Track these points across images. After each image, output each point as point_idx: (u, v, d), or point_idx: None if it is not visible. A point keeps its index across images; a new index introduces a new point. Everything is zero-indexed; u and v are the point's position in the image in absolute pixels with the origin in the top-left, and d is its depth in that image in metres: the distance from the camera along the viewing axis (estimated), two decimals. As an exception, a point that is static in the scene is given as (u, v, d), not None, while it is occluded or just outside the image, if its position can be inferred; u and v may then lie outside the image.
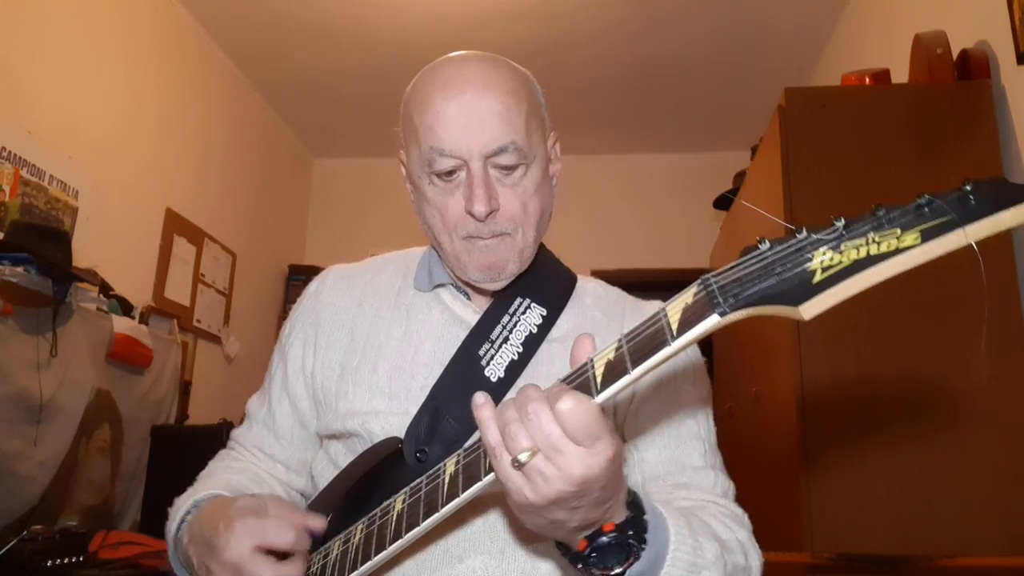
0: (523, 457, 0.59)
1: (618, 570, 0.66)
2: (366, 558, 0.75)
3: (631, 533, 0.66)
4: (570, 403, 0.58)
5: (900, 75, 2.34)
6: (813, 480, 1.77)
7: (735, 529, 0.81)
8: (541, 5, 3.47)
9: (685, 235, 4.60)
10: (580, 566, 0.67)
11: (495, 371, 0.88)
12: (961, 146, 1.93)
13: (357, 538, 0.79)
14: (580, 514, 0.63)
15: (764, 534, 0.89)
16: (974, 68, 2.07)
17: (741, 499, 0.91)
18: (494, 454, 0.62)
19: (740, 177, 3.49)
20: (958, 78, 2.09)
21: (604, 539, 0.65)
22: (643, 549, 0.66)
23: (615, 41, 3.76)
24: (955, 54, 2.13)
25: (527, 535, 0.83)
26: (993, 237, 0.48)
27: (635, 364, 0.57)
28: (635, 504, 0.67)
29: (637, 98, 4.33)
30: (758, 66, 3.90)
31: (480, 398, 0.64)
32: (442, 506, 0.69)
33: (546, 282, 0.97)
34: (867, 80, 2.21)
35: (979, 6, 2.15)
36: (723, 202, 3.72)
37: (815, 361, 1.84)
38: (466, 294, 0.97)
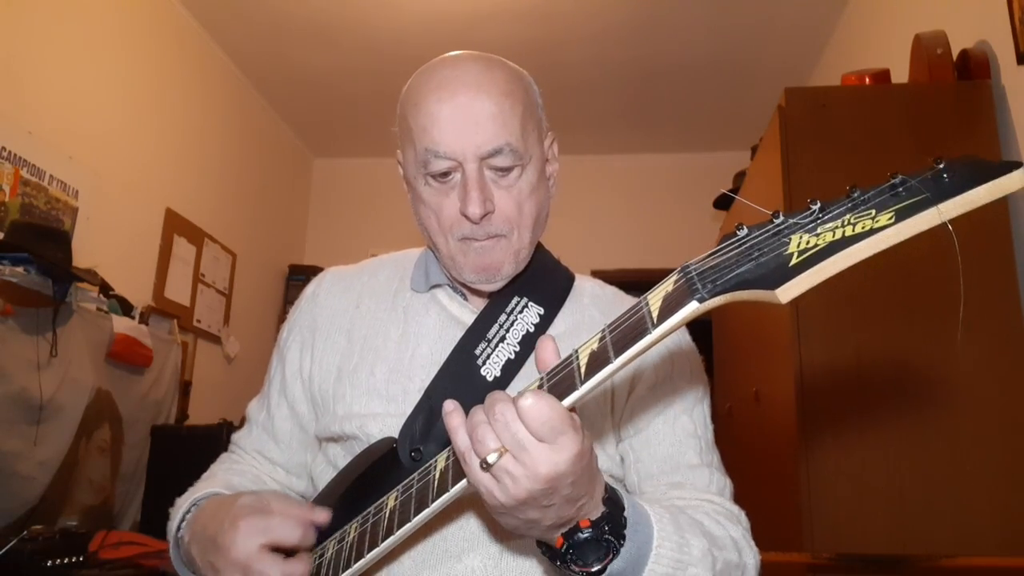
0: (491, 458, 0.59)
1: (597, 567, 0.66)
2: (359, 555, 0.75)
3: (607, 528, 0.66)
4: (531, 399, 0.58)
5: (900, 75, 2.34)
6: (813, 480, 1.77)
7: (728, 526, 0.81)
8: (541, 5, 3.47)
9: (685, 235, 4.60)
10: (559, 563, 0.67)
11: (491, 370, 0.87)
12: (961, 146, 1.93)
13: (351, 536, 0.79)
14: (553, 512, 0.63)
15: (764, 534, 0.89)
16: (974, 68, 2.07)
17: (741, 499, 0.91)
18: (464, 459, 0.63)
19: (740, 177, 3.48)
20: (958, 78, 2.09)
21: (580, 536, 0.65)
22: (622, 545, 0.66)
23: (615, 41, 3.75)
24: (955, 54, 2.13)
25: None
26: (993, 231, 0.48)
27: (618, 353, 0.57)
28: (612, 500, 0.67)
29: (637, 98, 4.32)
30: (758, 66, 3.90)
31: (449, 405, 0.65)
32: (432, 501, 0.69)
33: (544, 281, 0.96)
34: (867, 80, 2.21)
35: (979, 6, 2.15)
36: (723, 202, 3.72)
37: (815, 361, 1.84)
38: (463, 294, 0.96)
